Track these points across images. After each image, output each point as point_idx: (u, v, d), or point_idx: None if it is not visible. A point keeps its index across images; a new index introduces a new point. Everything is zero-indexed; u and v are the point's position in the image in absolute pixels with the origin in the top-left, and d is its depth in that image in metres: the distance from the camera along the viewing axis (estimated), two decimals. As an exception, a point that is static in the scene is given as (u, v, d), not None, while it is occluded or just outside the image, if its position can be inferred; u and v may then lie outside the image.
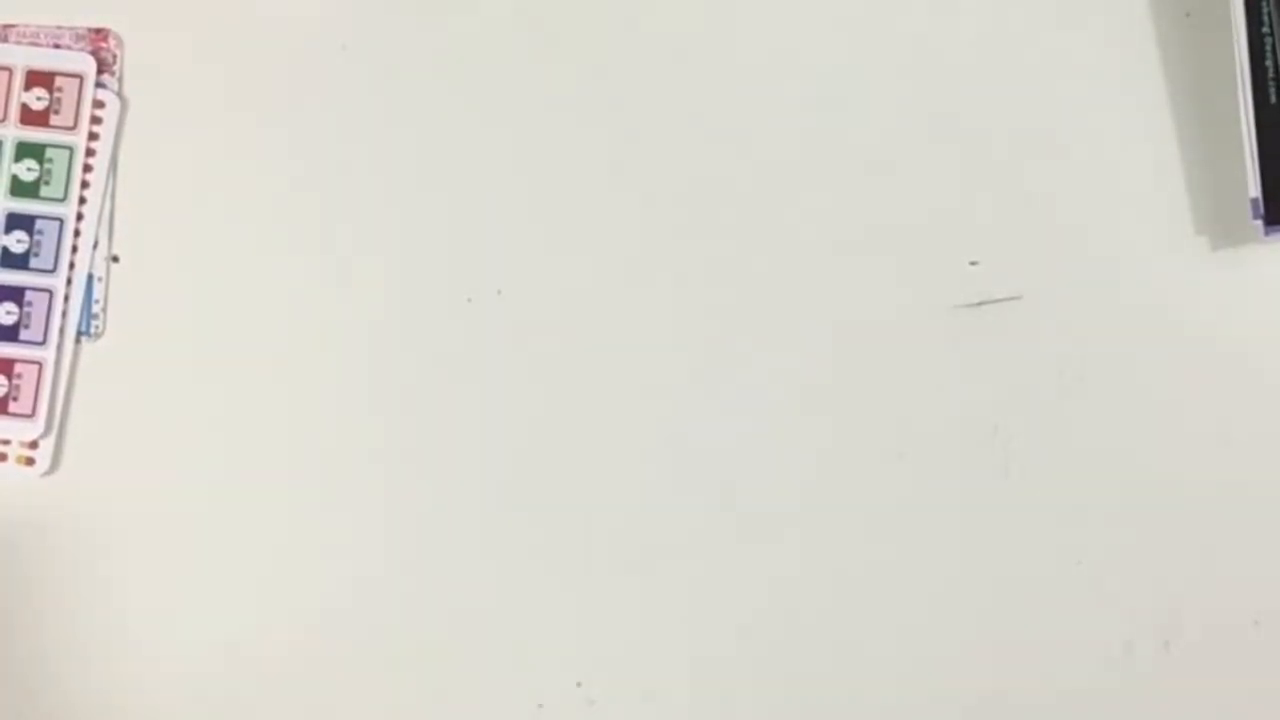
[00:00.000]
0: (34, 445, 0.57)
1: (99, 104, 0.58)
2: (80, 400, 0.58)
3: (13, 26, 0.58)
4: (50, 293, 0.57)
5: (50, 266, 0.58)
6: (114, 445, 0.57)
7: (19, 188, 0.58)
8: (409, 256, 0.58)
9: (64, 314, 0.57)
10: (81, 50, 0.58)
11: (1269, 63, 0.55)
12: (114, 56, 0.58)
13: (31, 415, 0.57)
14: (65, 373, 0.57)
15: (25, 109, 0.58)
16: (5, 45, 0.58)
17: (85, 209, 0.58)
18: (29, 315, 0.57)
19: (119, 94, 0.58)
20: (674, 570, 0.58)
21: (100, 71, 0.58)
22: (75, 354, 0.58)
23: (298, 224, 0.58)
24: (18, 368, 0.57)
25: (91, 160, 0.58)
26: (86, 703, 0.57)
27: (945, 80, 0.58)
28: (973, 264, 0.58)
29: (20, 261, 0.58)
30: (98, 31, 0.58)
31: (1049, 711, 0.57)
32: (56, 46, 0.58)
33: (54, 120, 0.58)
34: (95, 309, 0.58)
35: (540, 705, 0.57)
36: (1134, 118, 0.58)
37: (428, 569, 0.57)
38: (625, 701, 0.57)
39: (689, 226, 0.58)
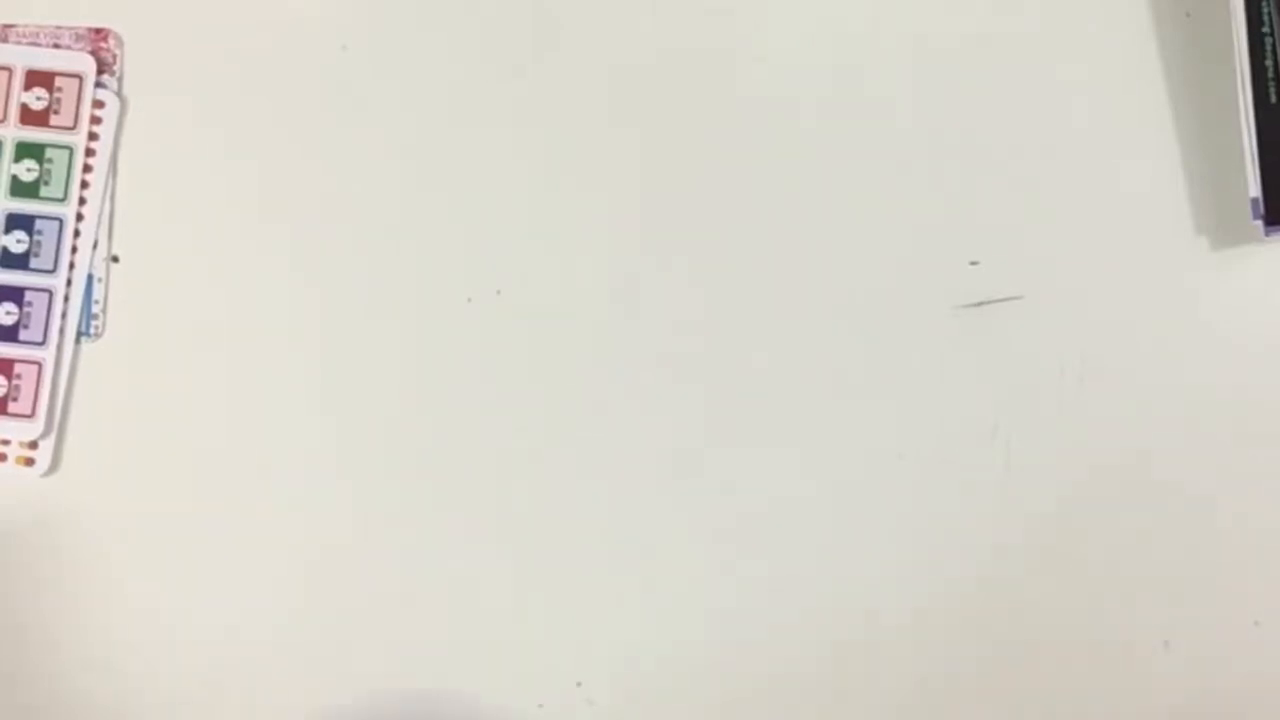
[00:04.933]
0: (34, 445, 0.57)
1: (99, 104, 0.58)
2: (80, 400, 0.58)
3: (13, 26, 0.58)
4: (50, 293, 0.58)
5: (50, 266, 0.58)
6: (114, 445, 0.57)
7: (19, 188, 0.58)
8: (409, 256, 0.58)
9: (64, 314, 0.57)
10: (81, 50, 0.58)
11: (1269, 63, 0.55)
12: (114, 56, 0.58)
13: (31, 415, 0.57)
14: (65, 373, 0.57)
15: (25, 109, 0.58)
16: (5, 45, 0.58)
17: (85, 209, 0.58)
18: (29, 315, 0.57)
19: (119, 94, 0.58)
20: (674, 570, 0.58)
21: (100, 71, 0.58)
22: (75, 354, 0.58)
23: (298, 224, 0.58)
24: (18, 368, 0.57)
25: (91, 160, 0.58)
26: (87, 701, 0.57)
27: (945, 80, 0.58)
28: (973, 264, 0.58)
29: (20, 261, 0.58)
30: (98, 31, 0.58)
31: (1049, 711, 0.57)
32: (56, 46, 0.58)
33: (54, 120, 0.58)
34: (95, 309, 0.58)
35: (540, 705, 0.57)
36: (1134, 118, 0.58)
37: (427, 569, 0.57)
38: (625, 701, 0.57)
39: (689, 226, 0.58)
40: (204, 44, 0.58)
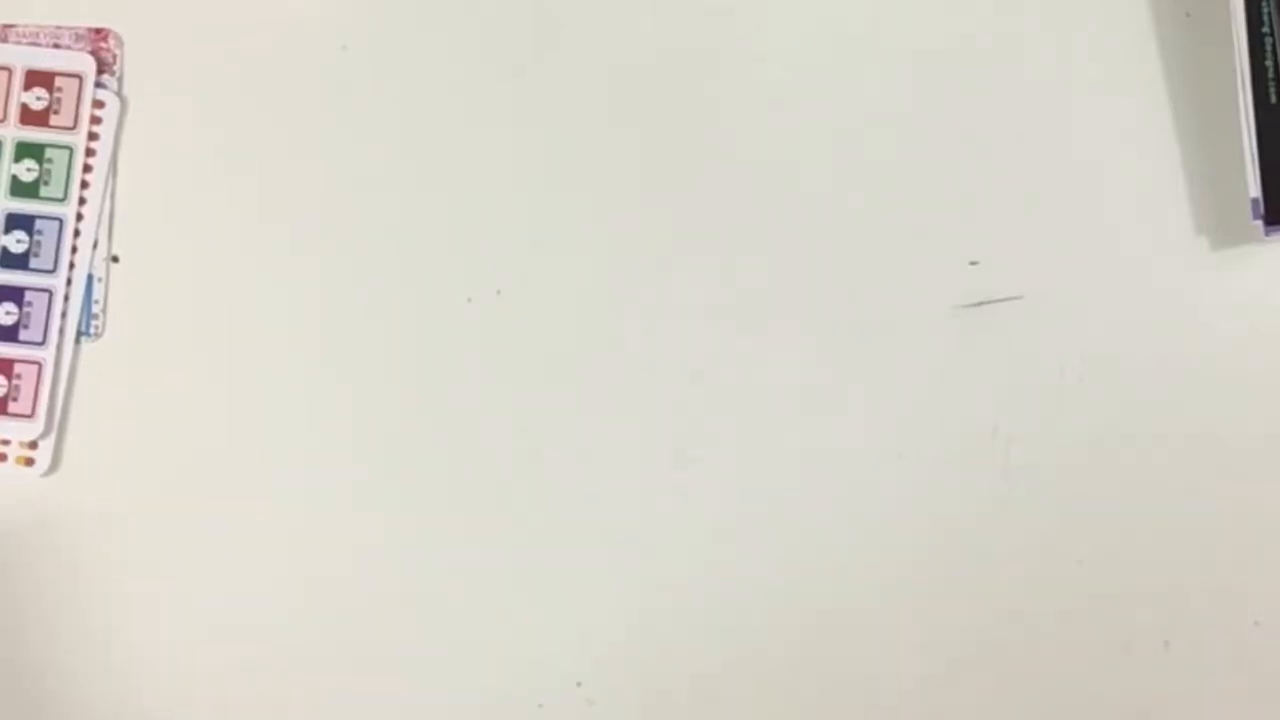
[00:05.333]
0: (34, 445, 0.57)
1: (99, 104, 0.58)
2: (80, 400, 0.58)
3: (13, 26, 0.58)
4: (50, 293, 0.58)
5: (50, 266, 0.58)
6: (114, 445, 0.57)
7: (19, 188, 0.58)
8: (409, 256, 0.58)
9: (64, 314, 0.57)
10: (81, 50, 0.58)
11: (1269, 63, 0.55)
12: (114, 56, 0.58)
13: (31, 415, 0.57)
14: (65, 373, 0.57)
15: (25, 109, 0.58)
16: (5, 45, 0.58)
17: (85, 209, 0.58)
18: (29, 315, 0.57)
19: (119, 94, 0.58)
20: (674, 570, 0.58)
21: (100, 71, 0.58)
22: (75, 354, 0.58)
23: (297, 224, 0.58)
24: (18, 368, 0.57)
25: (91, 160, 0.58)
26: (86, 701, 0.57)
27: (945, 80, 0.58)
28: (973, 264, 0.58)
29: (20, 261, 0.58)
30: (98, 31, 0.58)
31: (1049, 711, 0.57)
32: (56, 46, 0.58)
33: (54, 120, 0.58)
34: (95, 309, 0.58)
35: (540, 705, 0.57)
36: (1134, 118, 0.58)
37: (428, 568, 0.57)
38: (625, 701, 0.57)
39: (689, 226, 0.58)
40: (204, 44, 0.58)
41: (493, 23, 0.59)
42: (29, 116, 0.58)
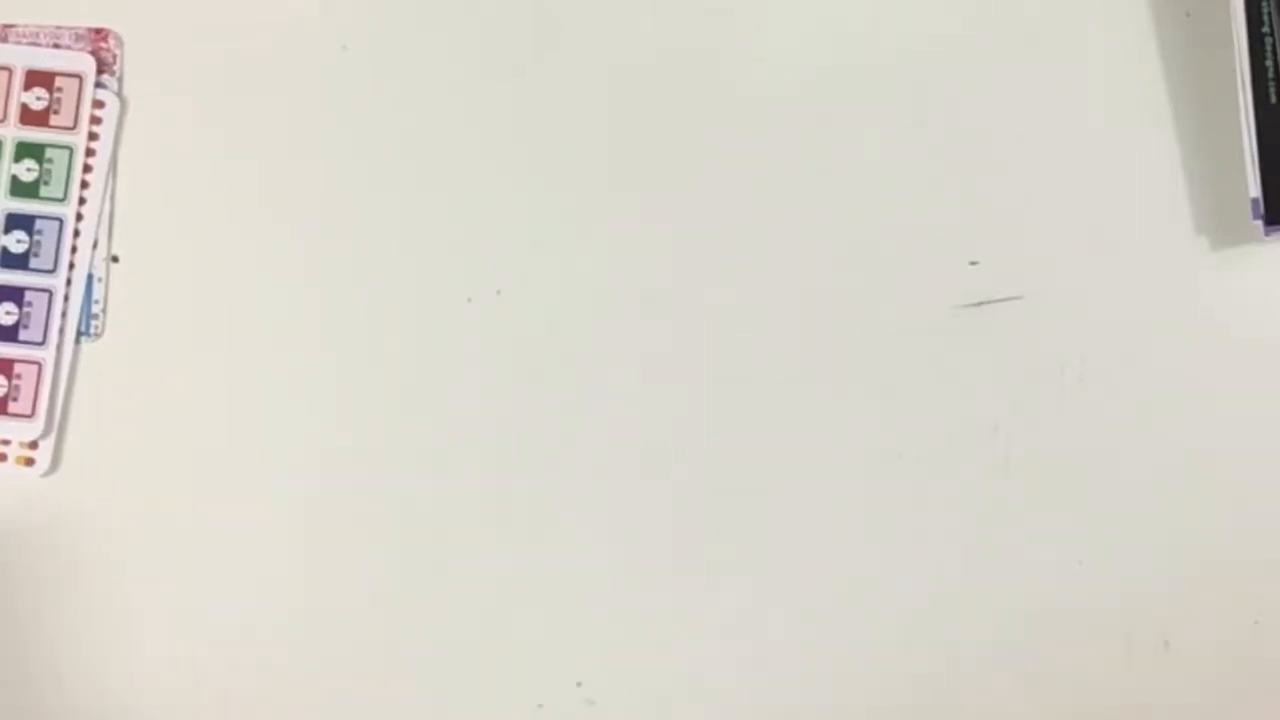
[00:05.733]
0: (34, 445, 0.57)
1: (99, 104, 0.58)
2: (80, 400, 0.58)
3: (13, 26, 0.58)
4: (50, 293, 0.58)
5: (50, 266, 0.58)
6: (114, 445, 0.57)
7: (19, 188, 0.58)
8: (409, 256, 0.58)
9: (64, 314, 0.57)
10: (81, 50, 0.58)
11: (1269, 63, 0.55)
12: (114, 56, 0.58)
13: (31, 415, 0.57)
14: (65, 373, 0.57)
15: (25, 109, 0.58)
16: (5, 45, 0.58)
17: (85, 209, 0.58)
18: (29, 315, 0.57)
19: (119, 94, 0.58)
20: (673, 570, 0.58)
21: (100, 71, 0.58)
22: (75, 354, 0.58)
23: (297, 224, 0.58)
24: (18, 368, 0.57)
25: (91, 160, 0.58)
26: (87, 702, 0.57)
27: (945, 80, 0.58)
28: (973, 264, 0.58)
29: (20, 261, 0.58)
30: (98, 31, 0.58)
31: (1049, 711, 0.57)
32: (56, 46, 0.58)
33: (54, 120, 0.58)
34: (95, 309, 0.58)
35: (540, 705, 0.57)
36: (1134, 118, 0.58)
37: (427, 569, 0.57)
38: (625, 701, 0.57)
39: (688, 226, 0.58)
40: (204, 44, 0.58)
41: (493, 23, 0.59)
42: (29, 116, 0.58)
